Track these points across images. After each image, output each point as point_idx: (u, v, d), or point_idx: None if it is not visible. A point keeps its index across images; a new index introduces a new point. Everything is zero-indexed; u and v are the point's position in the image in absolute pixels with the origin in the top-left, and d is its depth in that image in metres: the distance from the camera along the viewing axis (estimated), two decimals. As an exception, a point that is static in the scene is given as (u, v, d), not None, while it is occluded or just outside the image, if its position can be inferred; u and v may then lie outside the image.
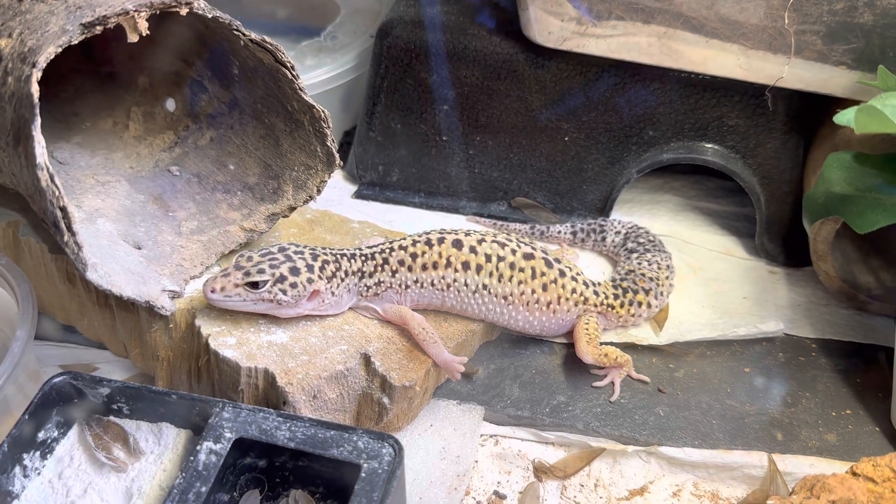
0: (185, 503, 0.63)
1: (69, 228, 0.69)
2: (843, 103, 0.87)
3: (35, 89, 0.67)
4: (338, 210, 1.02)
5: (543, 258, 0.85)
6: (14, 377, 0.73)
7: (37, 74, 0.67)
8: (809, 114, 1.00)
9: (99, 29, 0.70)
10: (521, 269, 0.84)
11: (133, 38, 0.72)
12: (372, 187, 1.14)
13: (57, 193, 0.67)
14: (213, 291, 0.75)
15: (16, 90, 0.71)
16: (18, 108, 0.69)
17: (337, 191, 1.13)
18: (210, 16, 0.75)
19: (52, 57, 0.68)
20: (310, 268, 0.77)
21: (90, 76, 0.97)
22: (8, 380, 0.72)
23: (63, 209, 0.68)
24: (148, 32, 0.72)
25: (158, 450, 0.72)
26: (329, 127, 0.83)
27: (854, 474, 0.71)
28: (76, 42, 0.69)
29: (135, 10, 0.70)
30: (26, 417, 0.70)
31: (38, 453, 0.71)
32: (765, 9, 0.88)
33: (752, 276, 1.02)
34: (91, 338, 0.90)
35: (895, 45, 0.87)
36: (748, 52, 0.92)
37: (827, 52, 0.89)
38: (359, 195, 1.13)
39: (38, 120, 0.67)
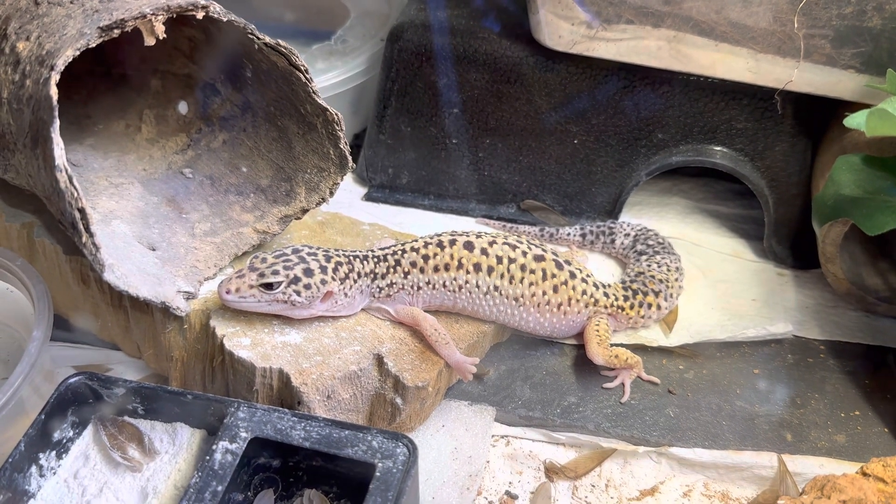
0: (201, 502, 0.64)
1: (87, 229, 0.69)
2: (852, 107, 0.87)
3: (54, 92, 0.67)
4: (348, 212, 1.02)
5: (554, 260, 0.85)
6: (30, 378, 0.73)
7: (55, 77, 0.68)
8: (818, 117, 1.00)
9: (116, 32, 0.70)
10: (532, 271, 0.84)
11: (150, 41, 0.72)
12: (382, 190, 1.14)
13: (76, 195, 0.68)
14: (227, 292, 0.76)
15: (34, 93, 0.71)
16: (37, 111, 0.70)
17: (347, 193, 1.13)
18: (225, 19, 0.76)
19: (69, 60, 0.68)
20: (323, 269, 0.78)
21: (102, 78, 0.97)
22: (25, 380, 0.73)
23: (82, 210, 0.68)
24: (164, 36, 0.72)
25: (173, 449, 0.73)
26: (342, 130, 0.84)
27: (864, 474, 0.71)
28: (93, 45, 0.69)
29: (152, 14, 0.71)
30: (42, 417, 0.70)
31: (53, 453, 0.72)
32: (774, 13, 0.89)
33: (761, 278, 1.03)
34: (105, 339, 0.90)
35: (903, 49, 0.88)
36: (757, 56, 0.92)
37: (836, 56, 0.90)
38: (369, 198, 1.14)
39: (57, 122, 0.67)
